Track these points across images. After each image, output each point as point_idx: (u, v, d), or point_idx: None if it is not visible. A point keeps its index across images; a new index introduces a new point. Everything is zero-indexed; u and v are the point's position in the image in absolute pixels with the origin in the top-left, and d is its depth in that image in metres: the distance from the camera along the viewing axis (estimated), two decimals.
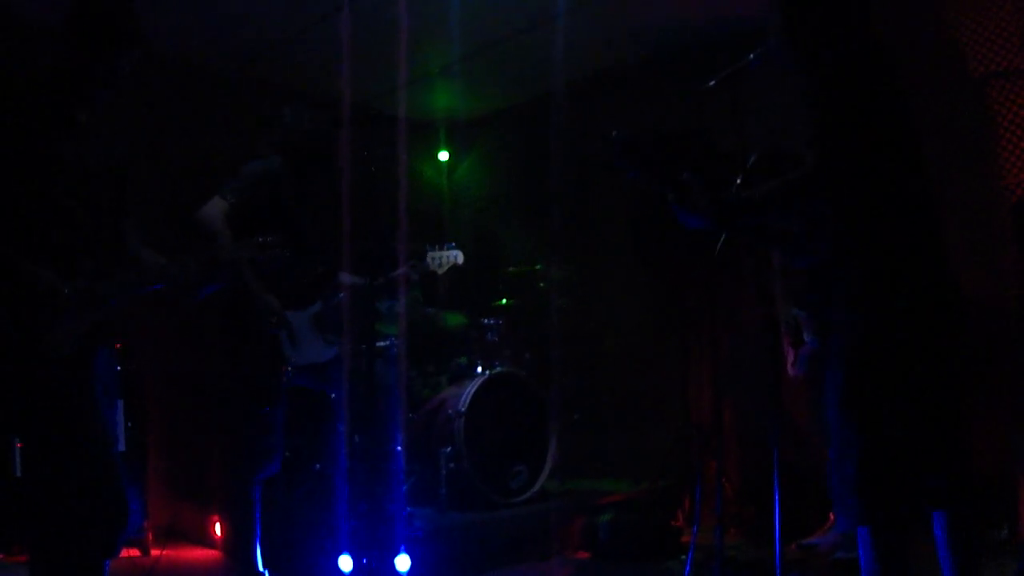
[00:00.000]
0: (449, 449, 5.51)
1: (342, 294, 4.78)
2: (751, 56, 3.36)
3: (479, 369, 6.03)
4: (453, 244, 5.20)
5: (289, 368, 4.44)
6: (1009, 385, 4.70)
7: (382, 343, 5.52)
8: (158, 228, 4.44)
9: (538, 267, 6.93)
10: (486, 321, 6.37)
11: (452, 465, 5.47)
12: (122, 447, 5.21)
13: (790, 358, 5.11)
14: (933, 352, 2.96)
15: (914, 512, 2.98)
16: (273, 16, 6.09)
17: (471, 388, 5.68)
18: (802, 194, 3.01)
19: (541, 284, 6.91)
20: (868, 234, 2.96)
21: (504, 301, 6.67)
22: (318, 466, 5.13)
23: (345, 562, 4.46)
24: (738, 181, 3.61)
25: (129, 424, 5.32)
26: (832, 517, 5.11)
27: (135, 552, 5.26)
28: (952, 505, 3.02)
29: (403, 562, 4.51)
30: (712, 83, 3.38)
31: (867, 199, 2.96)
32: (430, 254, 5.15)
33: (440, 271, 5.18)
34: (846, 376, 2.99)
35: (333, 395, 4.76)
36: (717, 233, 3.33)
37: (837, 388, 3.01)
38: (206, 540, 5.65)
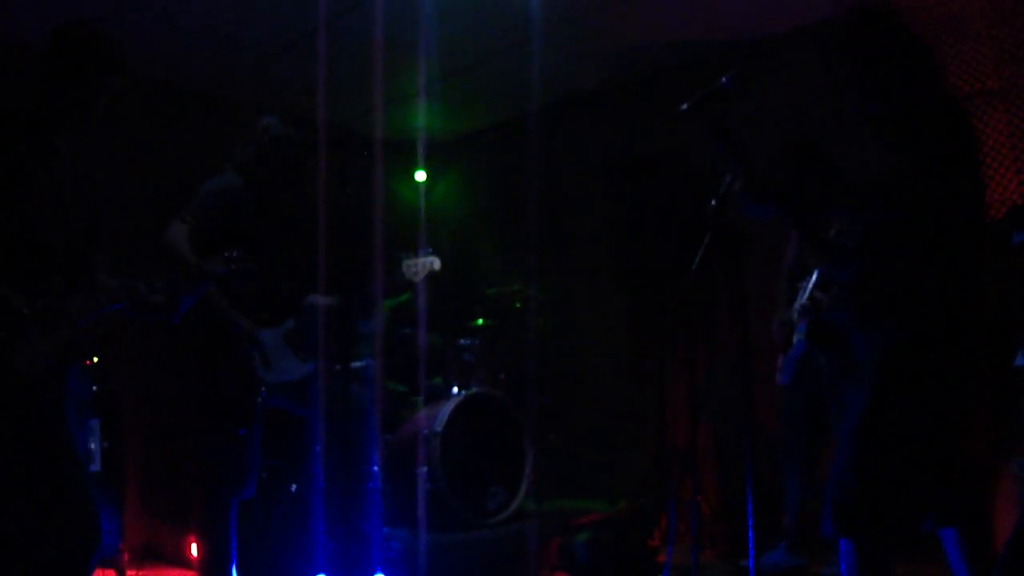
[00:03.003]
0: (426, 470, 5.50)
1: (316, 311, 4.75)
2: (724, 79, 3.39)
3: (455, 390, 6.03)
4: (430, 250, 5.09)
5: (264, 389, 4.42)
6: (988, 404, 4.73)
7: (358, 363, 5.51)
8: (133, 248, 4.43)
9: (515, 287, 6.93)
10: (462, 341, 6.37)
11: (429, 486, 5.47)
12: (98, 467, 5.18)
13: (779, 365, 5.13)
14: (958, 377, 3.02)
15: (909, 531, 3.03)
16: (250, 37, 6.11)
17: (447, 409, 5.68)
18: (879, 206, 3.06)
19: (517, 304, 6.91)
20: (930, 259, 3.02)
21: (480, 321, 6.67)
22: (295, 487, 5.11)
23: None
24: (713, 203, 3.64)
25: (106, 444, 5.28)
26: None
27: (111, 573, 5.22)
28: (963, 522, 3.14)
29: None
30: (685, 106, 3.40)
31: (935, 228, 3.02)
32: (405, 263, 5.05)
33: (416, 279, 5.06)
34: (873, 391, 3.03)
35: (308, 417, 4.73)
36: (781, 224, 3.36)
37: (860, 403, 3.05)
38: (183, 561, 5.61)
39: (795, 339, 4.94)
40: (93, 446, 5.13)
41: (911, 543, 3.05)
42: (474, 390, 5.93)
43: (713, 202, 3.53)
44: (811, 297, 4.68)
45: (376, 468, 5.05)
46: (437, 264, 5.09)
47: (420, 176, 8.21)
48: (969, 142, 3.16)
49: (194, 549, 5.49)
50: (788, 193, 3.16)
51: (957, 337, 3.00)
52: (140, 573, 5.24)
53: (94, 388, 5.16)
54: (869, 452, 3.01)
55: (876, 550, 2.98)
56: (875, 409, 3.02)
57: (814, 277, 4.63)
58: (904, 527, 3.00)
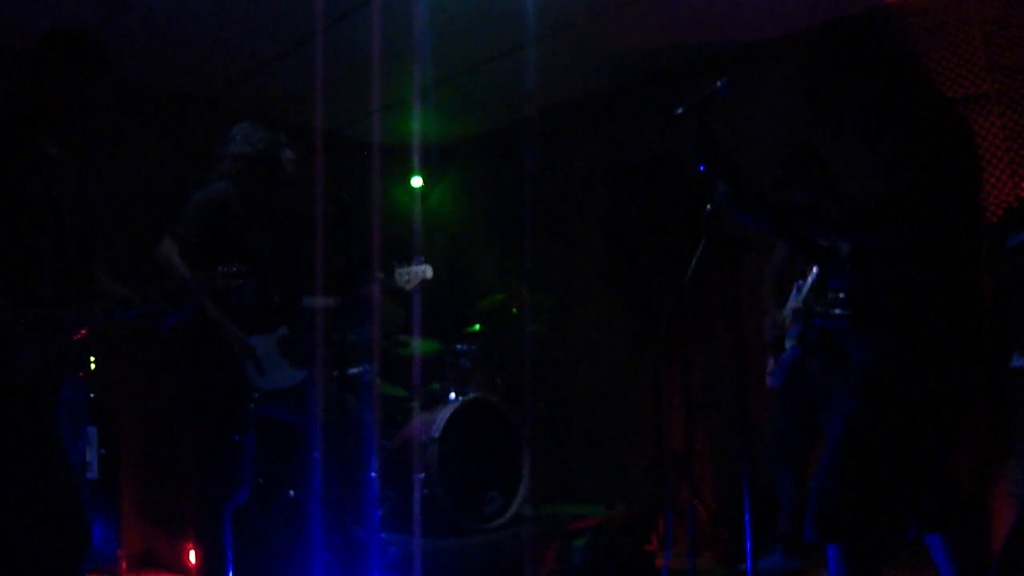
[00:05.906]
0: (423, 475, 5.50)
1: (311, 316, 4.76)
2: (719, 83, 3.39)
3: (452, 395, 6.04)
4: (422, 258, 5.09)
5: (256, 395, 4.41)
6: (982, 408, 4.74)
7: (354, 370, 5.51)
8: (129, 254, 4.42)
9: (511, 293, 6.94)
10: (459, 347, 6.37)
11: (426, 491, 5.47)
12: (96, 474, 5.17)
13: (768, 367, 5.13)
14: (948, 388, 3.01)
15: (892, 538, 3.02)
16: (246, 43, 6.11)
17: (444, 414, 5.68)
18: (868, 225, 3.04)
19: (514, 310, 6.91)
20: (924, 272, 3.01)
21: (477, 327, 6.67)
22: (292, 493, 5.11)
23: None
24: (708, 208, 3.65)
25: (103, 451, 5.28)
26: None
27: None
28: (949, 527, 3.13)
29: None
30: (681, 110, 3.41)
31: (932, 241, 3.00)
32: (397, 270, 5.03)
33: (408, 287, 5.06)
34: (860, 398, 3.02)
35: (300, 425, 4.72)
36: (772, 232, 3.34)
37: (847, 409, 3.05)
38: (180, 568, 5.60)
39: (787, 344, 4.95)
40: (90, 454, 5.13)
41: (895, 549, 3.04)
42: (471, 395, 5.93)
43: (708, 207, 3.54)
44: (805, 300, 4.68)
45: (374, 474, 5.05)
46: (429, 272, 5.09)
47: (416, 181, 8.21)
48: (964, 148, 3.14)
49: (192, 556, 5.49)
50: (775, 203, 3.14)
51: (949, 348, 2.99)
52: None
53: (91, 396, 5.15)
54: (854, 458, 2.99)
55: (862, 556, 2.98)
56: (861, 416, 3.01)
57: (810, 279, 4.63)
58: (887, 534, 2.99)
